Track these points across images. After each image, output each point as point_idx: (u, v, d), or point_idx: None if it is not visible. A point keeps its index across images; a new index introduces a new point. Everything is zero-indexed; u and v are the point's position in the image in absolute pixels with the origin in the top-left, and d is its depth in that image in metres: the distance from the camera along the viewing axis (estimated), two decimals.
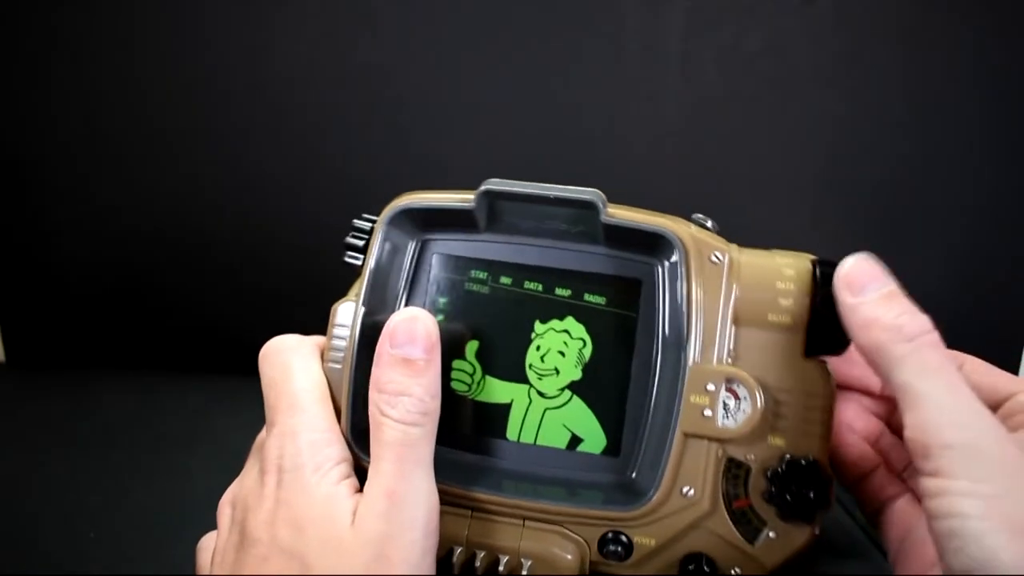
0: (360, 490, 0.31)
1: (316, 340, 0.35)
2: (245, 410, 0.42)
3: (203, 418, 0.66)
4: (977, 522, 0.25)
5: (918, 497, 0.35)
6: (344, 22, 0.64)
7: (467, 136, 0.67)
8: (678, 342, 0.32)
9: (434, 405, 0.31)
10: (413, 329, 0.31)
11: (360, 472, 0.32)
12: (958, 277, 0.69)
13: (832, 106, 0.66)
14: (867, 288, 0.30)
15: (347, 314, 0.34)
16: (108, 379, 0.71)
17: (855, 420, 0.36)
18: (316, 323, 0.37)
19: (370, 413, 0.31)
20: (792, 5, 0.63)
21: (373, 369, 0.31)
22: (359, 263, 0.35)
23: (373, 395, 0.31)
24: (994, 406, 0.32)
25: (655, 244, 0.33)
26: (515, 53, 0.65)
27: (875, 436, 0.37)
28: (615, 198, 0.34)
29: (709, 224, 0.34)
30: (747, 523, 0.32)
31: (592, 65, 0.65)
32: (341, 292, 0.36)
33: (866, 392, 0.37)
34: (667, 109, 0.66)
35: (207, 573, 0.33)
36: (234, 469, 0.36)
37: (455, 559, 0.33)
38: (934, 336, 0.28)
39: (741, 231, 0.35)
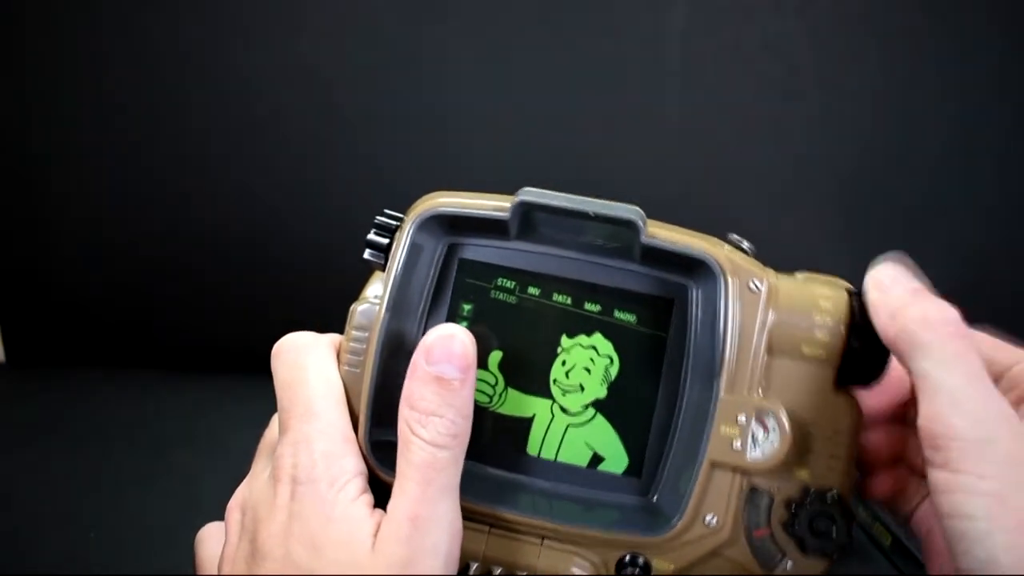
0: (376, 506, 0.30)
1: (331, 338, 0.34)
2: (245, 410, 0.42)
3: (203, 418, 0.66)
4: (982, 523, 0.25)
5: None
6: (344, 23, 0.64)
7: (466, 137, 0.67)
8: (708, 367, 0.32)
9: (465, 427, 0.31)
10: (450, 347, 0.30)
11: (375, 484, 0.31)
12: (959, 276, 0.68)
13: (832, 106, 0.66)
14: (895, 284, 0.30)
15: (366, 316, 0.33)
16: (108, 379, 0.71)
17: (883, 447, 0.36)
18: (317, 322, 0.37)
19: (399, 430, 0.30)
20: (792, 5, 0.63)
21: (406, 382, 0.31)
22: (380, 262, 0.34)
23: (404, 411, 0.30)
24: (995, 378, 0.31)
25: (692, 266, 0.32)
26: (515, 54, 0.65)
27: (900, 449, 0.36)
28: (615, 198, 0.33)
29: (745, 245, 0.33)
30: (766, 552, 0.32)
31: (592, 65, 0.65)
32: (341, 291, 0.36)
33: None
34: (666, 109, 0.66)
35: (211, 573, 0.33)
36: (234, 469, 0.35)
37: (471, 574, 0.33)
38: (960, 327, 0.28)
39: (740, 231, 0.35)
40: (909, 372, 0.28)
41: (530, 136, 0.66)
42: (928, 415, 0.27)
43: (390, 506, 0.30)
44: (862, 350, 0.31)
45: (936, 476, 0.26)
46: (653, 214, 0.33)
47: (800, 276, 0.34)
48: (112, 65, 0.65)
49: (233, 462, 0.36)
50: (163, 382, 0.71)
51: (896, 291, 0.30)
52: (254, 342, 0.36)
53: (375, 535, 0.29)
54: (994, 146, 0.67)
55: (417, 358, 0.31)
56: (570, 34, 0.64)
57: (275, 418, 0.34)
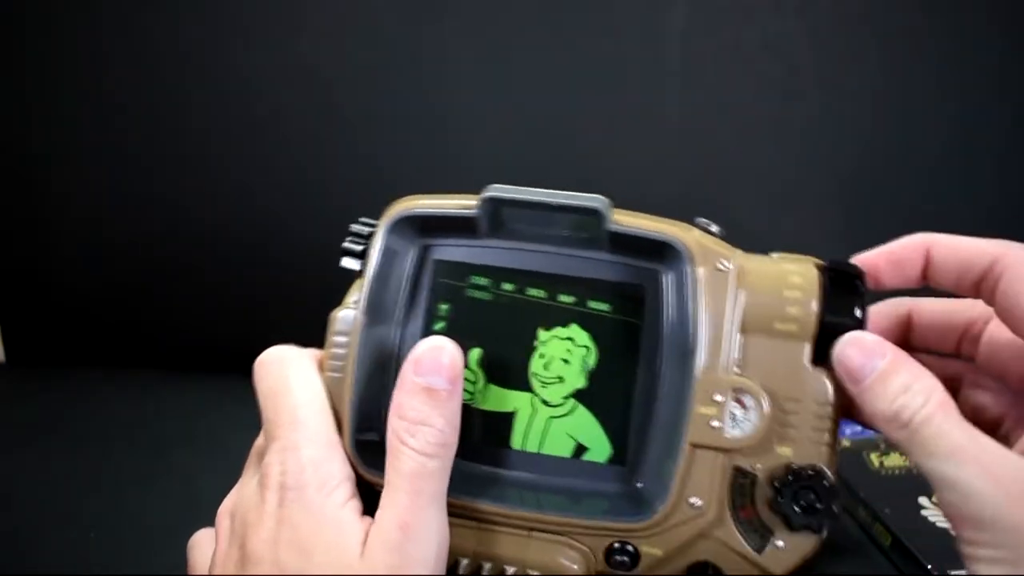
0: (364, 512, 0.31)
1: (312, 352, 0.35)
2: (245, 410, 0.42)
3: (203, 418, 0.66)
4: None
5: None
6: (344, 23, 0.64)
7: (463, 138, 0.67)
8: (684, 350, 0.32)
9: (453, 437, 0.31)
10: (438, 358, 0.31)
11: (362, 486, 0.32)
12: None
13: (832, 106, 0.66)
14: (863, 374, 0.30)
15: (347, 322, 0.34)
16: (108, 379, 0.71)
17: None
18: (316, 322, 0.37)
19: (388, 439, 0.31)
20: (792, 5, 0.63)
21: (395, 393, 0.31)
22: (357, 268, 0.34)
23: (393, 421, 0.31)
24: (995, 421, 0.33)
25: (661, 251, 0.33)
26: (515, 54, 0.65)
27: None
28: (615, 199, 0.33)
29: (713, 228, 0.34)
30: (754, 532, 0.32)
31: (592, 65, 0.65)
32: (341, 291, 0.36)
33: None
34: (666, 109, 0.66)
35: (202, 574, 0.33)
36: (234, 469, 0.36)
37: (461, 571, 0.33)
38: (930, 408, 0.28)
39: (740, 231, 0.35)
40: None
41: (530, 136, 0.66)
42: (939, 501, 0.28)
43: (379, 514, 0.30)
44: (835, 324, 0.31)
45: (962, 548, 0.28)
46: (653, 214, 0.33)
47: (775, 256, 0.34)
48: (112, 65, 0.65)
49: (233, 462, 0.37)
50: (163, 382, 0.71)
51: (866, 384, 0.30)
52: (254, 342, 0.36)
53: (364, 542, 0.29)
54: (994, 146, 0.67)
55: (406, 370, 0.31)
56: (570, 34, 0.64)
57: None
